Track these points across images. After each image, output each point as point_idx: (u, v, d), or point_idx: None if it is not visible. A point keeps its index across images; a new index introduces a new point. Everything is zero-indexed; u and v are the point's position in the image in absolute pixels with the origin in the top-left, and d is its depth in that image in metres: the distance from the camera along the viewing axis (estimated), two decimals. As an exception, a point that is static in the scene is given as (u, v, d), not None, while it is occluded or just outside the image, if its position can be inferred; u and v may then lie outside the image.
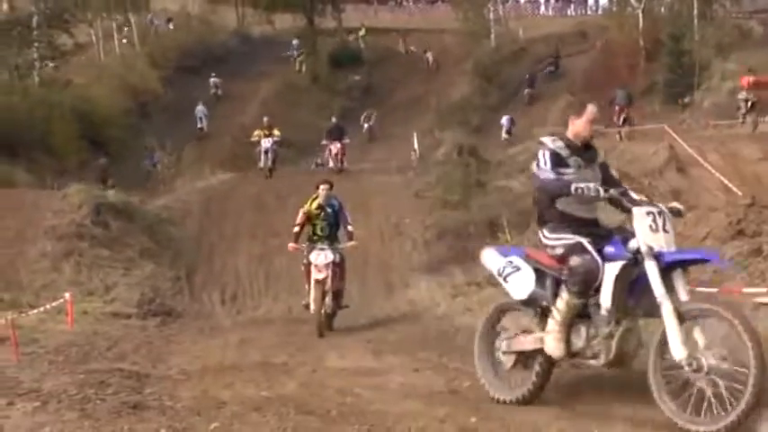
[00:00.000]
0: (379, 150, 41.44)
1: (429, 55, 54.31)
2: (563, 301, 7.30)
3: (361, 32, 57.79)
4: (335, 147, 31.70)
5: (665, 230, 6.97)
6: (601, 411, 7.11)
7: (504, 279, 7.84)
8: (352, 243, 15.96)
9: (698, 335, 6.56)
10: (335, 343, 12.94)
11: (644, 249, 6.88)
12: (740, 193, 19.04)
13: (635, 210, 7.03)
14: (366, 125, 44.24)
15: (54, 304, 15.96)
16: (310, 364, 10.70)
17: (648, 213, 6.97)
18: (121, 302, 18.70)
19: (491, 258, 8.16)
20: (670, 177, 23.08)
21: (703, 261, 7.55)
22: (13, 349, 12.07)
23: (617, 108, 32.61)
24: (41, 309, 15.81)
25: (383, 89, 51.31)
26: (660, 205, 7.22)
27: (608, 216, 7.91)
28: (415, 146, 34.17)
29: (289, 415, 7.47)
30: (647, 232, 6.90)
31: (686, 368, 6.45)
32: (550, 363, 7.60)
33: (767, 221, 13.76)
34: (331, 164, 31.87)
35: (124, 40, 53.26)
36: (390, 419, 7.14)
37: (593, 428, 6.57)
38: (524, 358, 7.78)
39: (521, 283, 7.68)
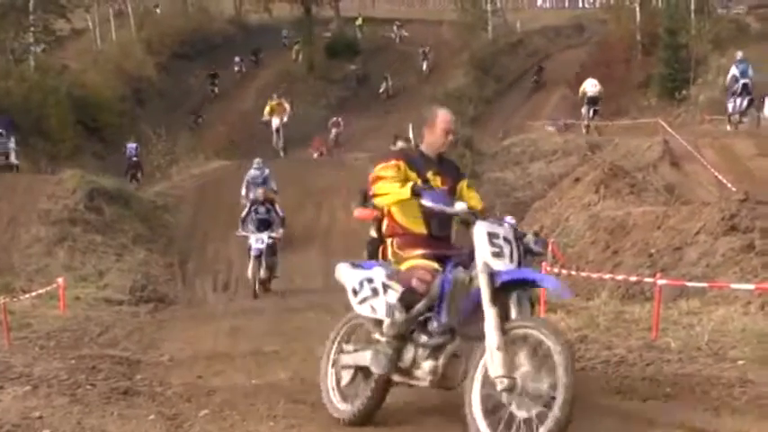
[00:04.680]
0: (374, 140, 41.44)
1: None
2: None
3: (358, 22, 57.75)
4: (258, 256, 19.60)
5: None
6: (589, 405, 7.12)
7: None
8: None
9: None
10: (327, 333, 12.93)
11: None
12: (734, 189, 19.08)
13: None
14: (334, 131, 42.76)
15: (47, 289, 15.98)
16: (301, 353, 10.69)
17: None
18: (114, 288, 18.71)
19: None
20: (664, 172, 23.11)
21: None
22: (4, 334, 12.09)
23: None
24: (34, 293, 15.82)
25: (379, 79, 51.24)
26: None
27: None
28: (410, 136, 34.14)
29: (279, 403, 7.49)
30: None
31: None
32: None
33: (760, 217, 13.77)
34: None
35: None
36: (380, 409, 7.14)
37: (583, 421, 6.57)
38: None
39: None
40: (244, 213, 20.46)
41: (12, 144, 29.21)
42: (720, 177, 21.55)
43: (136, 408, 7.53)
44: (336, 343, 7.55)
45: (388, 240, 7.14)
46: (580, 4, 63.04)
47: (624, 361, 8.62)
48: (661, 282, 10.53)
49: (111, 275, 19.89)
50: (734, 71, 27.43)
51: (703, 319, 10.26)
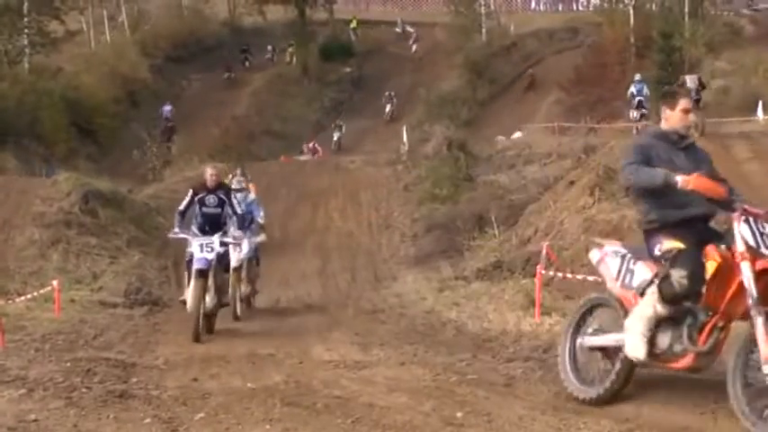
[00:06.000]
0: (369, 143, 41.44)
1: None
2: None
3: (353, 24, 57.68)
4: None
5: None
6: (586, 407, 7.12)
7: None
8: None
9: None
10: (323, 335, 12.93)
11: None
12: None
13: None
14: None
15: (41, 292, 15.94)
16: (297, 356, 10.70)
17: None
18: (108, 291, 18.65)
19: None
20: (659, 175, 23.03)
21: None
22: (-1, 337, 12.06)
23: None
24: (29, 296, 15.79)
25: (373, 81, 51.24)
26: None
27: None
28: (405, 139, 34.18)
29: (275, 407, 7.47)
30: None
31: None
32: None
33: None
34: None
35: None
36: (376, 412, 7.13)
37: (579, 424, 6.57)
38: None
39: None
40: (183, 204, 13.86)
41: None
42: (715, 181, 21.50)
43: (131, 411, 7.52)
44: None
45: None
46: (574, 7, 63.09)
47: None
48: (657, 285, 10.51)
49: (106, 278, 19.84)
50: (632, 89, 32.82)
51: (699, 323, 10.23)
